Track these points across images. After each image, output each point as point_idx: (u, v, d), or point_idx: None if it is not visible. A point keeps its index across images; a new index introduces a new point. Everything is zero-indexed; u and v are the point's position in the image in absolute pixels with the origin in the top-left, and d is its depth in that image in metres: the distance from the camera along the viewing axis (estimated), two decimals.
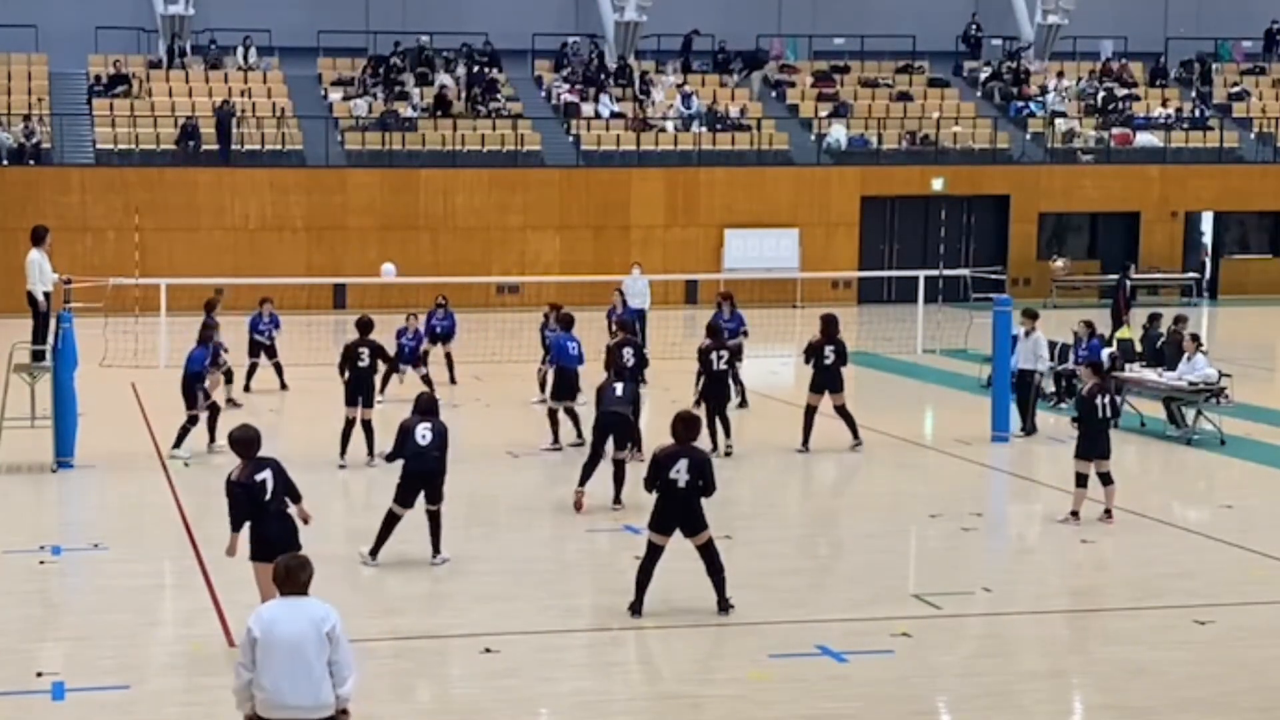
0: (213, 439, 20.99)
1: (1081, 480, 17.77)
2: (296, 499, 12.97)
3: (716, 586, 14.04)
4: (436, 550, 15.57)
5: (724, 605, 14.03)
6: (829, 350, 21.50)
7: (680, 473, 13.70)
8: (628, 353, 21.06)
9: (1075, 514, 17.72)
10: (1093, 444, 17.82)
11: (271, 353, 26.67)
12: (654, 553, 13.99)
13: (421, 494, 15.44)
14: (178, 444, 21.12)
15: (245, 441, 12.81)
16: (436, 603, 14.67)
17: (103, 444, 21.40)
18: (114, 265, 35.50)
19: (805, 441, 21.73)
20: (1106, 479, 17.82)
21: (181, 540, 16.61)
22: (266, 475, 12.73)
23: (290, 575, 9.23)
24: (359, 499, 19.47)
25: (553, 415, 21.75)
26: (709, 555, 14.00)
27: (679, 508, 13.81)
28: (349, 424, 20.33)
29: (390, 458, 15.82)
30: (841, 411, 21.77)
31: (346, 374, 20.37)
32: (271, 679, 8.90)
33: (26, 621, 13.97)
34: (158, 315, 29.09)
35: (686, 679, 12.53)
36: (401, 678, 12.46)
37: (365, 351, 20.33)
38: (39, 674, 12.30)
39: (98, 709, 11.67)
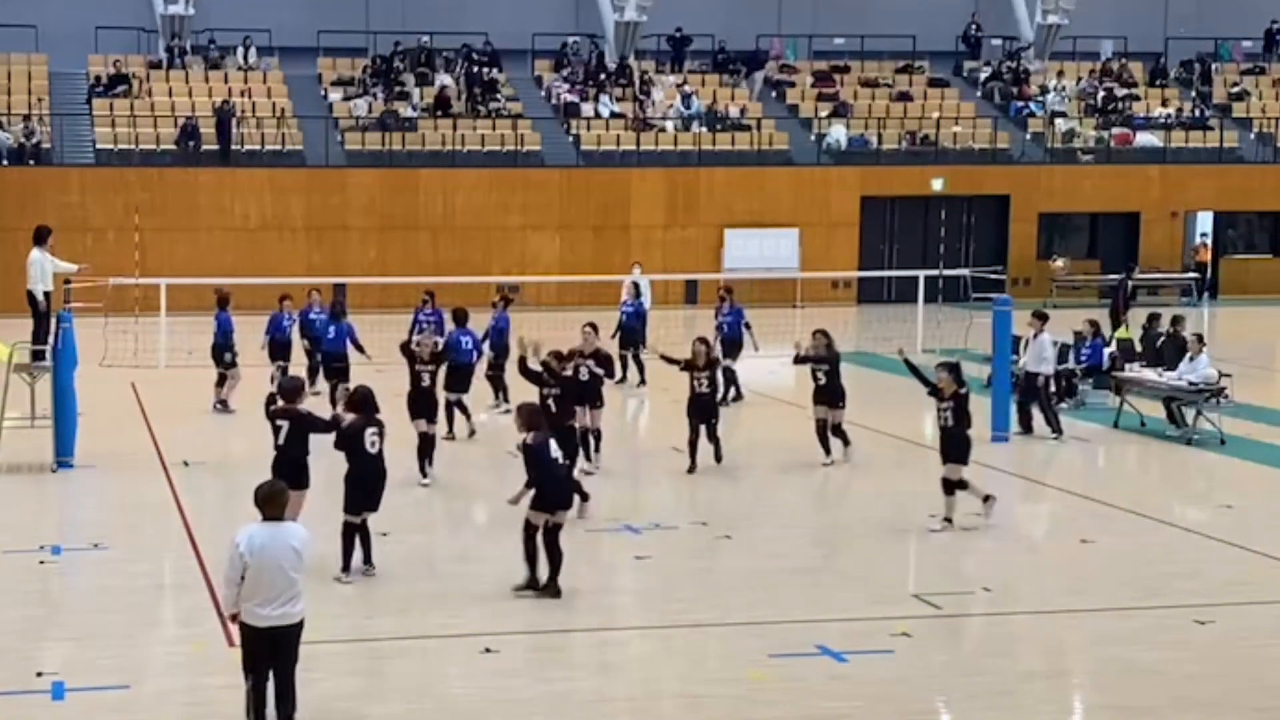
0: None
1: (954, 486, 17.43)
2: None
3: (554, 571, 14.50)
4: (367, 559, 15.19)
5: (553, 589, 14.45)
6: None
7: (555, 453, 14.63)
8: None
9: (989, 510, 17.50)
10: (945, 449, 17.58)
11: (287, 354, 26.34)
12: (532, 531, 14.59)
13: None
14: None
15: (287, 390, 15.57)
16: (436, 603, 14.66)
17: (103, 444, 21.39)
18: (114, 265, 35.43)
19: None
20: (956, 486, 17.45)
21: (181, 540, 16.62)
22: (284, 425, 15.03)
23: (271, 500, 10.65)
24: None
25: (448, 406, 21.96)
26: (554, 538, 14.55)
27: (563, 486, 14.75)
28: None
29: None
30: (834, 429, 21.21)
31: None
32: (260, 595, 10.49)
33: (26, 621, 13.96)
34: (158, 315, 29.11)
35: (686, 679, 12.53)
36: (402, 678, 12.46)
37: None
38: (39, 674, 12.29)
39: (98, 709, 11.67)
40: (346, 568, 14.85)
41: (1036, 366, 23.02)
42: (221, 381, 24.93)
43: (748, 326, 26.16)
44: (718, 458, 20.30)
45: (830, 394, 20.87)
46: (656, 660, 13.21)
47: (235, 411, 24.54)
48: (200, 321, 30.54)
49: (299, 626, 10.68)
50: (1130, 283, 33.55)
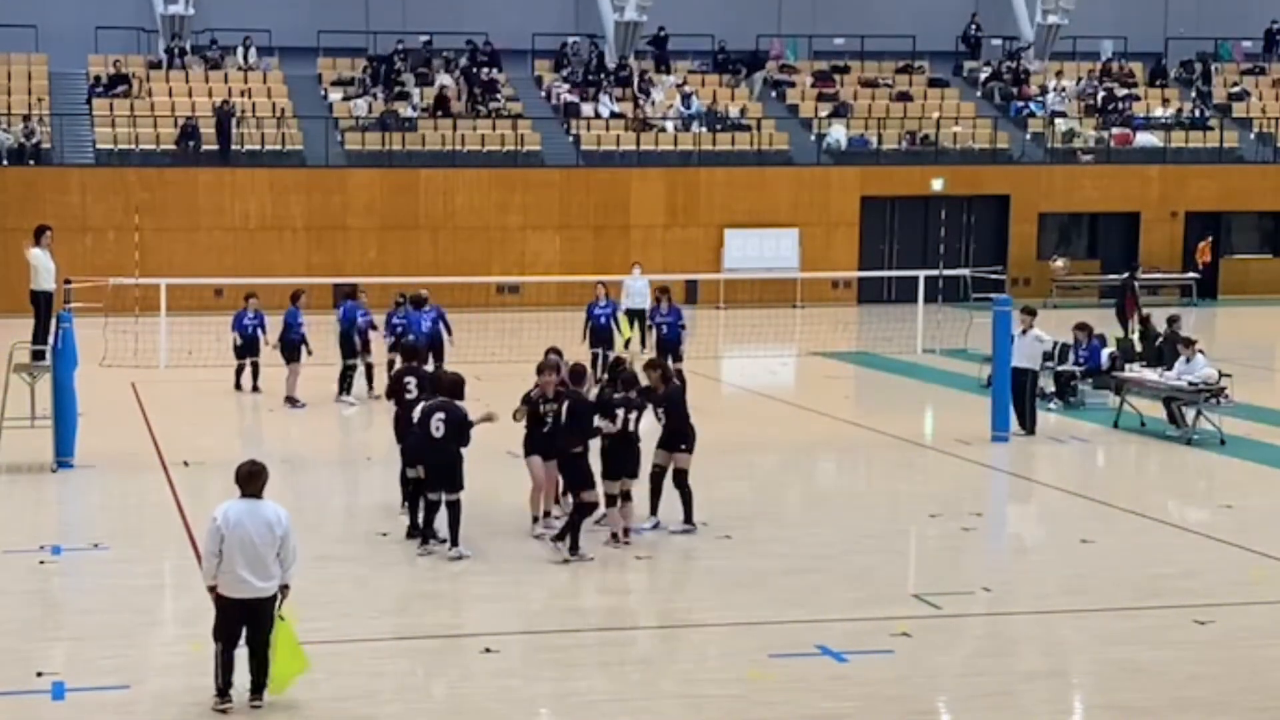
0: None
1: (612, 500, 16.27)
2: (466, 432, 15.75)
3: (451, 530, 15.78)
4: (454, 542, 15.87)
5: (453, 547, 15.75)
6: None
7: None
8: (410, 383, 17.66)
9: (615, 536, 16.38)
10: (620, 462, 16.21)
11: (254, 350, 26.52)
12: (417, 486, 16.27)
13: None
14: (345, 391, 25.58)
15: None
16: (436, 603, 14.67)
17: (103, 444, 21.39)
18: (114, 265, 35.49)
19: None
20: (627, 497, 16.34)
21: (181, 540, 16.61)
22: (438, 417, 15.63)
23: (250, 479, 11.41)
24: (365, 498, 19.47)
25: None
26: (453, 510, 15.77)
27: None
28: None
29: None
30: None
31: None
32: (233, 567, 11.24)
33: (26, 621, 13.96)
34: (158, 315, 29.13)
35: (686, 679, 12.53)
36: (402, 678, 12.47)
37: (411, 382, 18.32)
38: (39, 674, 12.30)
39: (98, 709, 11.67)
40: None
41: (1025, 362, 22.97)
42: (348, 375, 25.82)
43: (683, 328, 26.13)
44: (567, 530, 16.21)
45: (670, 436, 16.90)
46: (656, 660, 13.21)
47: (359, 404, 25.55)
48: (200, 322, 30.64)
49: (273, 600, 11.36)
50: (1135, 283, 33.29)
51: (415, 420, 15.98)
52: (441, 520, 15.87)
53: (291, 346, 25.71)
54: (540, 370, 16.66)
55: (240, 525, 11.22)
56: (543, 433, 16.45)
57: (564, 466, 16.24)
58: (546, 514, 16.82)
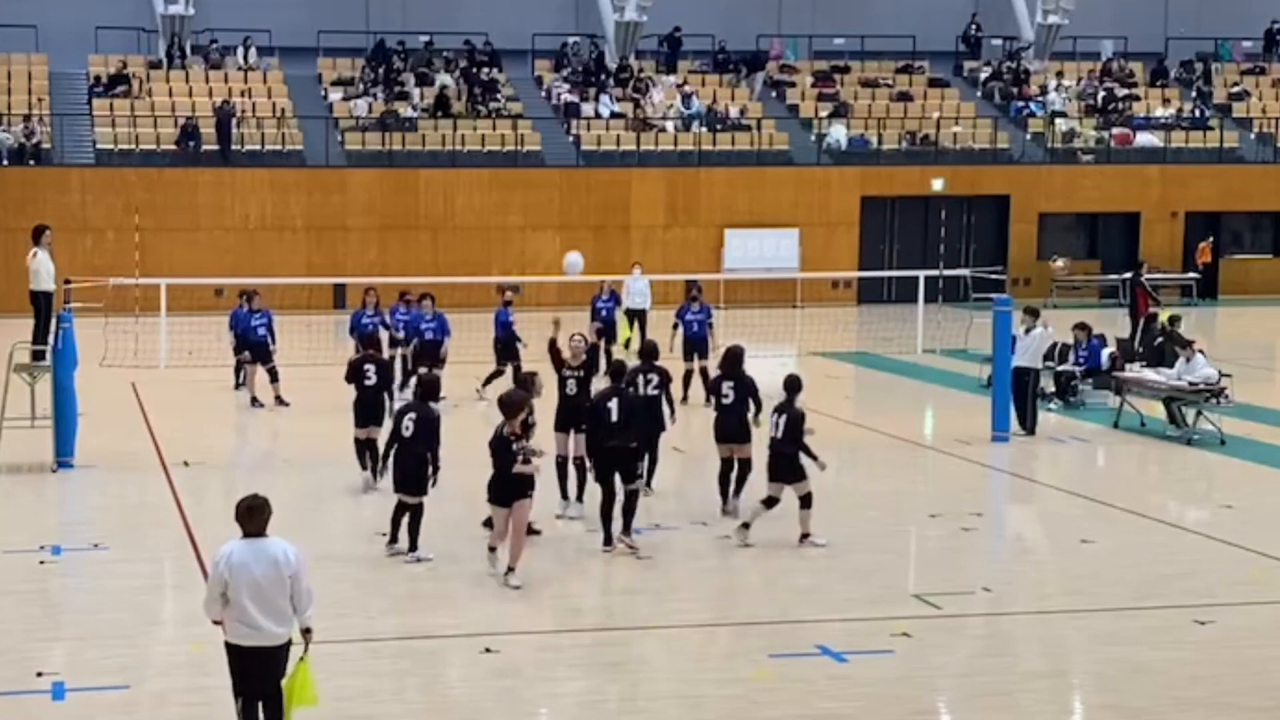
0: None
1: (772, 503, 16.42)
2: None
3: (410, 533, 15.81)
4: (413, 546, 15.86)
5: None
6: (727, 387, 17.95)
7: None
8: (369, 370, 19.13)
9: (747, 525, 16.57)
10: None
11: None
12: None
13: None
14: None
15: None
16: (436, 603, 14.67)
17: (103, 444, 21.39)
18: (114, 265, 35.46)
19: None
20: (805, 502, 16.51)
21: (181, 540, 16.62)
22: (409, 418, 15.71)
23: (252, 515, 10.22)
24: (364, 498, 19.45)
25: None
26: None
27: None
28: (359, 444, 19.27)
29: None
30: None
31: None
32: (243, 612, 10.13)
33: (26, 621, 13.96)
34: (158, 315, 29.11)
35: (686, 679, 12.53)
36: (401, 678, 12.47)
37: (371, 369, 19.17)
38: (39, 674, 12.31)
39: (98, 709, 11.67)
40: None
41: (1028, 362, 22.95)
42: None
43: (710, 327, 26.06)
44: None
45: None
46: (656, 660, 13.21)
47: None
48: (200, 322, 30.64)
49: (287, 647, 10.29)
50: (1145, 279, 33.11)
51: (393, 422, 16.13)
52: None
53: (256, 347, 25.63)
54: (511, 409, 15.09)
55: (245, 567, 10.08)
56: (511, 475, 14.90)
57: (616, 460, 16.09)
58: (511, 566, 15.21)
